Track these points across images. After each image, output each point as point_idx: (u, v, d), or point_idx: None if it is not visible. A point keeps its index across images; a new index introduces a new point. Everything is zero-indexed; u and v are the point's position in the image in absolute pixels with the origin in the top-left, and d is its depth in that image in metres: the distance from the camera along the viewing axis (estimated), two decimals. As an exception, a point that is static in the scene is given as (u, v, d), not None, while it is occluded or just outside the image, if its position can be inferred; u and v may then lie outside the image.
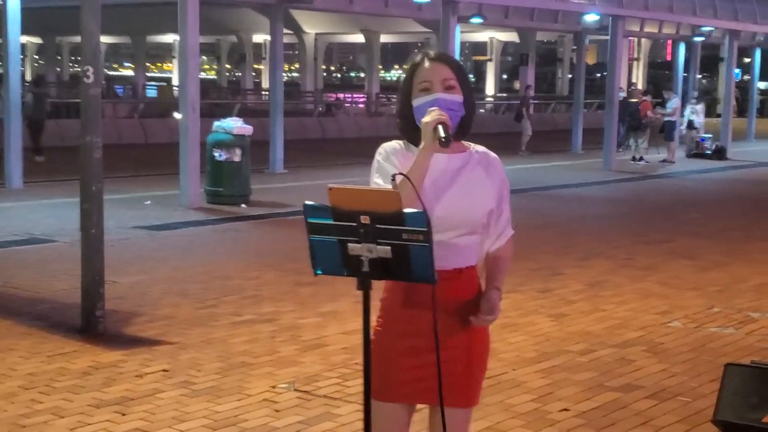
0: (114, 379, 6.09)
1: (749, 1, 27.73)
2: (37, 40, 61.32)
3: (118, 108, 34.33)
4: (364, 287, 2.84)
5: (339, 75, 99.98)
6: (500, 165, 3.23)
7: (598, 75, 60.34)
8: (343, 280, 9.00)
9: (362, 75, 71.86)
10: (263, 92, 52.92)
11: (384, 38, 49.41)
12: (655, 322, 7.72)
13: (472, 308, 3.20)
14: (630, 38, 43.60)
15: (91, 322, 7.22)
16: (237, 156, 14.41)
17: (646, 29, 29.70)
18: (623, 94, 27.28)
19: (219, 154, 14.39)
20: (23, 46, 64.99)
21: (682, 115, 27.07)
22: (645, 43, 52.51)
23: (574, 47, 39.24)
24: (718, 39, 29.96)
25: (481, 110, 44.47)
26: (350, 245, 2.80)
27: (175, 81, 58.67)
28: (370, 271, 2.80)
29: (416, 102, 3.13)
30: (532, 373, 6.32)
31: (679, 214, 14.68)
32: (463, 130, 3.17)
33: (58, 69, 64.92)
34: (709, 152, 25.75)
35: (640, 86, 41.42)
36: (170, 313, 7.78)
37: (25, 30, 57.86)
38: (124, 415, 5.43)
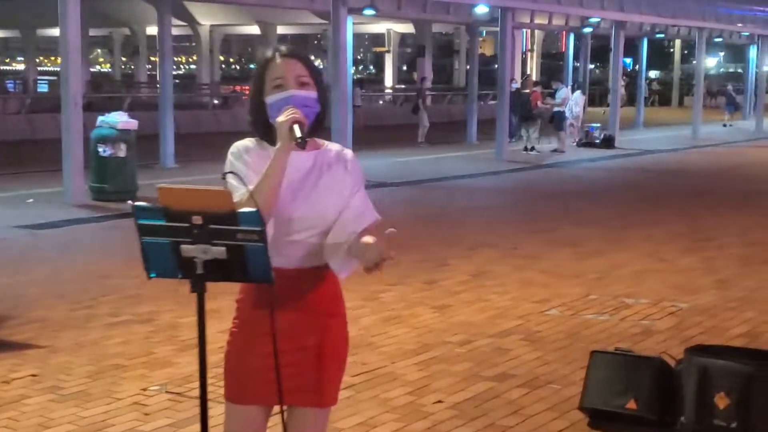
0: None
1: (634, -8, 28.38)
2: None
3: (7, 103, 33.29)
4: (198, 290, 2.75)
5: (238, 67, 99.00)
6: (356, 162, 3.17)
7: (496, 66, 61.12)
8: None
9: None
10: (158, 85, 52.15)
11: (281, 30, 49.06)
12: (534, 310, 7.80)
13: (328, 308, 3.13)
14: (523, 29, 44.22)
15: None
16: (122, 151, 14.09)
17: (537, 21, 30.11)
18: (516, 85, 27.65)
19: (103, 150, 14.04)
20: None
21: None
22: (538, 34, 53.31)
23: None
24: (607, 30, 30.54)
25: (380, 102, 44.63)
26: (183, 247, 2.72)
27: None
28: (204, 273, 2.72)
29: (270, 99, 3.05)
30: (410, 365, 6.31)
31: (565, 203, 14.92)
32: (318, 126, 3.11)
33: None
34: (598, 141, 26.26)
35: (534, 77, 42.11)
36: (44, 315, 7.54)
37: None
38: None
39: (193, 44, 56.58)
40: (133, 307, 7.89)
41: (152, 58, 55.01)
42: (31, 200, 13.89)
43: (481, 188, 17.25)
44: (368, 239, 2.96)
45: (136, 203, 2.73)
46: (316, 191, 3.04)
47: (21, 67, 63.47)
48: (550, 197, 15.80)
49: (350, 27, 23.30)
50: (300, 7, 24.49)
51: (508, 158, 22.16)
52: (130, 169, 14.25)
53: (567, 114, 26.03)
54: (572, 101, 27.07)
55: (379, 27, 52.67)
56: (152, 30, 51.91)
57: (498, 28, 23.84)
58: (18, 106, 32.23)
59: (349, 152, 3.18)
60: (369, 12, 23.60)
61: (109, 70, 67.50)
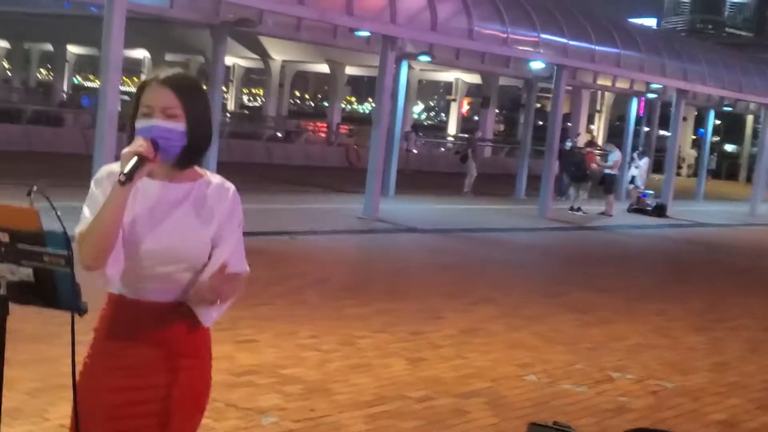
0: None
1: (698, 63, 27.85)
2: (5, 44, 60.84)
3: (80, 118, 33.88)
4: (0, 312, 2.57)
5: (312, 103, 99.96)
6: (233, 198, 2.94)
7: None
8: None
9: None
10: (226, 114, 52.77)
11: (349, 70, 49.37)
12: (512, 374, 7.48)
13: (185, 349, 2.93)
14: (596, 90, 43.85)
15: None
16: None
17: (600, 82, 29.76)
18: (570, 144, 27.32)
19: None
20: (-8, 49, 64.61)
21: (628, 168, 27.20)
22: (608, 96, 52.84)
23: (542, 93, 39.38)
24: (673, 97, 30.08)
25: (441, 149, 44.51)
26: (-9, 265, 2.54)
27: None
28: (7, 294, 2.54)
29: (137, 124, 2.88)
30: (358, 417, 6.05)
31: (590, 267, 14.52)
32: (190, 159, 2.89)
33: (24, 74, 64.35)
34: (649, 209, 25.72)
35: (600, 139, 41.65)
36: (17, 327, 7.43)
37: (-6, 32, 57.06)
38: None
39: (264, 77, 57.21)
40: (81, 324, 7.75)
41: (224, 88, 55.70)
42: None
43: (510, 243, 16.91)
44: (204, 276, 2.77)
45: (-55, 215, 2.55)
46: (171, 224, 2.84)
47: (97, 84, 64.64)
48: (576, 260, 15.41)
49: (404, 71, 23.36)
50: (358, 49, 24.49)
51: (551, 216, 21.75)
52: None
53: (637, 179, 25.58)
54: (635, 166, 26.62)
55: (449, 75, 52.73)
56: (225, 60, 52.80)
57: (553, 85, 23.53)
58: (91, 121, 32.72)
59: (230, 187, 2.97)
60: (424, 59, 23.57)
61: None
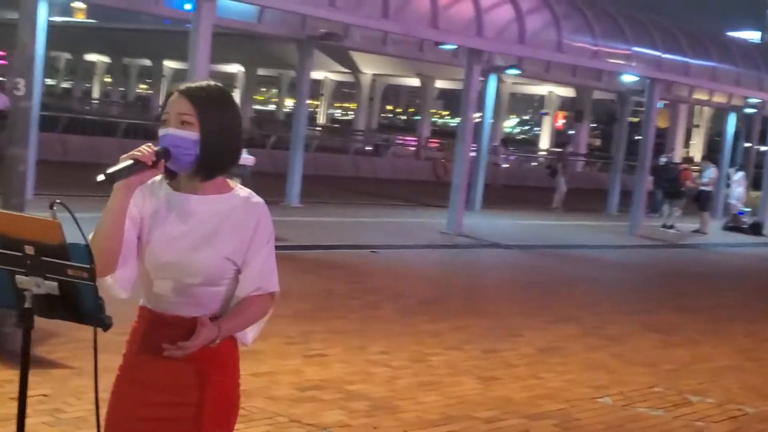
0: (-3, 400, 5.85)
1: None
2: (106, 59, 62.71)
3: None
4: (24, 324, 2.55)
5: (404, 117, 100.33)
6: (260, 213, 2.89)
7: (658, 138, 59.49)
8: (286, 320, 8.65)
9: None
10: (317, 128, 53.27)
11: (439, 83, 49.36)
12: (586, 396, 7.27)
13: (213, 363, 2.88)
14: (693, 105, 42.92)
15: (0, 339, 7.02)
16: (235, 185, 14.28)
17: (696, 96, 29.08)
18: (665, 159, 26.72)
19: (216, 182, 14.26)
20: (93, 65, 66.69)
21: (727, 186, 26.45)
22: (707, 110, 51.69)
23: (637, 107, 38.66)
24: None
25: (532, 163, 44.08)
26: (18, 277, 2.53)
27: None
28: (32, 307, 2.53)
29: (159, 133, 2.87)
30: (422, 436, 5.95)
31: (679, 286, 14.13)
32: (208, 170, 2.84)
33: (122, 89, 66.20)
34: (745, 227, 24.97)
35: (698, 155, 40.65)
36: (88, 336, 7.54)
37: (96, 49, 59.53)
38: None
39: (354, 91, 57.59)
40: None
41: (312, 101, 56.27)
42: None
43: (597, 260, 16.58)
44: (198, 333, 2.76)
45: (-26, 226, 2.55)
46: (189, 237, 2.81)
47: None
48: (665, 279, 15.02)
49: (493, 85, 23.18)
50: (446, 63, 24.44)
51: (642, 233, 21.24)
52: (241, 203, 14.42)
53: (731, 195, 24.89)
54: (734, 182, 25.87)
55: (541, 89, 52.31)
56: (316, 74, 53.26)
57: (647, 99, 23.06)
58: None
59: (257, 202, 2.91)
60: (513, 72, 23.37)
61: (273, 108, 69.61)
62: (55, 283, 2.49)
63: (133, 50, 56.63)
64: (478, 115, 20.93)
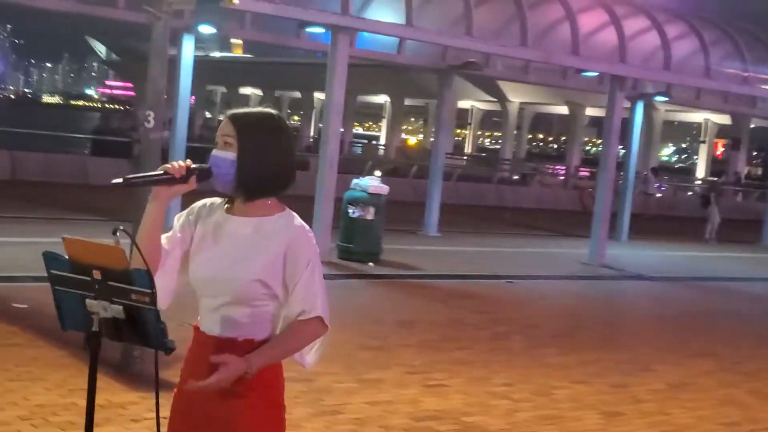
0: (110, 420, 6.07)
1: None
2: (259, 92, 64.52)
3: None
4: (91, 347, 2.64)
5: (555, 146, 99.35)
6: (294, 237, 2.91)
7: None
8: (410, 350, 8.66)
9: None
10: (464, 156, 53.28)
11: (589, 111, 48.58)
12: (715, 433, 6.99)
13: (245, 386, 2.89)
14: None
15: (128, 361, 7.25)
16: (370, 214, 14.43)
17: None
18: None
19: (352, 211, 14.45)
20: (247, 97, 68.78)
21: None
22: None
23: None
24: None
25: (689, 192, 42.78)
26: (88, 301, 2.63)
27: (382, 141, 60.38)
28: (99, 330, 2.62)
29: None
30: (535, 471, 5.82)
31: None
32: (248, 191, 2.91)
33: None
34: None
35: None
36: (214, 362, 7.74)
37: (250, 82, 61.28)
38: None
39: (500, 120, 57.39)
40: (299, 365, 7.91)
41: (459, 131, 56.45)
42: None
43: (746, 293, 15.91)
44: (223, 370, 2.78)
45: (47, 252, 2.66)
46: (224, 256, 2.89)
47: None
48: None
49: (639, 112, 22.67)
50: (591, 90, 24.06)
51: (798, 266, 20.33)
52: (376, 232, 14.55)
53: None
54: None
55: (698, 116, 50.81)
56: (463, 103, 53.36)
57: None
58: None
59: (295, 225, 2.94)
60: (661, 99, 22.82)
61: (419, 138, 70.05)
62: (121, 307, 2.57)
63: (285, 83, 58.18)
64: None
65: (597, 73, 18.96)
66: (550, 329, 10.79)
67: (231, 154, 2.88)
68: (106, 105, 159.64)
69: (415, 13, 15.59)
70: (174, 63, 16.32)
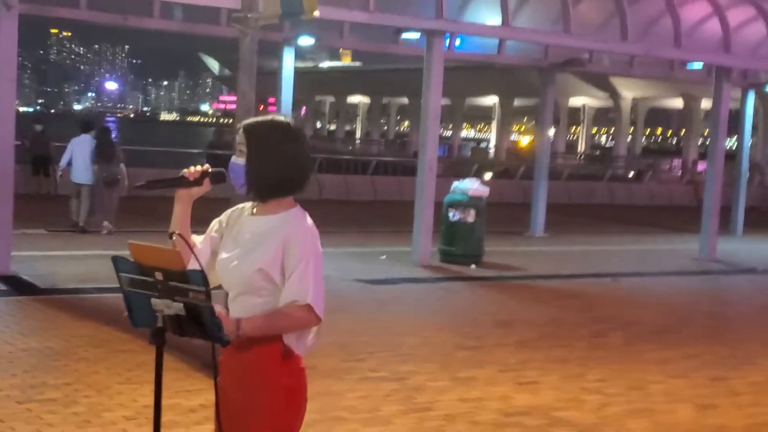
0: (209, 419, 6.42)
1: None
2: (367, 99, 65.30)
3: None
4: (156, 342, 2.94)
5: (675, 140, 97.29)
6: (292, 231, 3.19)
7: None
8: (506, 349, 8.80)
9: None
10: (579, 156, 52.80)
11: (705, 103, 47.58)
12: (813, 425, 6.93)
13: (260, 373, 3.19)
14: None
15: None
16: (471, 216, 14.59)
17: None
18: None
19: (453, 214, 14.65)
20: (355, 106, 69.72)
21: None
22: None
23: None
24: None
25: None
26: (153, 300, 2.93)
27: (492, 142, 60.29)
28: (164, 326, 2.92)
29: None
30: (620, 463, 5.93)
31: None
32: (255, 192, 3.24)
33: (385, 127, 68.48)
34: None
35: None
36: (313, 363, 8.04)
37: (357, 90, 62.16)
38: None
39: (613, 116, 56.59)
40: (396, 365, 8.18)
41: (574, 129, 55.83)
42: (383, 257, 14.80)
43: None
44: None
45: (115, 256, 2.97)
46: (239, 250, 3.22)
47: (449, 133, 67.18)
48: None
49: (751, 102, 22.21)
50: (698, 82, 23.68)
51: None
52: (478, 234, 14.70)
53: None
54: None
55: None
56: (575, 100, 52.94)
57: None
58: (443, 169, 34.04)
59: (297, 220, 3.23)
60: (774, 88, 22.31)
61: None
62: (181, 305, 2.86)
63: (392, 89, 58.81)
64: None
65: (702, 65, 18.66)
66: (652, 325, 10.77)
67: (242, 160, 3.23)
68: (220, 120, 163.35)
69: (513, 12, 15.70)
70: (273, 76, 16.85)
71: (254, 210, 3.29)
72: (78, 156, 15.88)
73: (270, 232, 3.20)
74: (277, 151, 3.21)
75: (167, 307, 2.90)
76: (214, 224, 3.36)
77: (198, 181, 3.26)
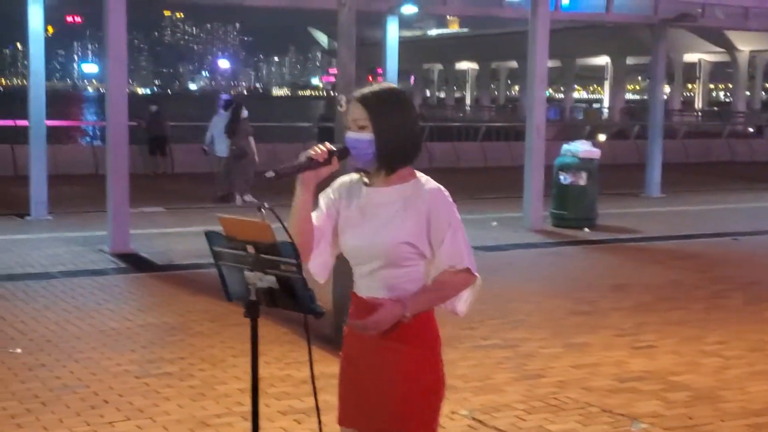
0: (323, 389, 6.44)
1: None
2: (475, 66, 64.73)
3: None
4: (251, 315, 2.93)
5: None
6: (432, 198, 3.12)
7: None
8: (620, 313, 8.63)
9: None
10: (696, 113, 51.33)
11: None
12: None
13: (404, 339, 3.13)
14: None
15: (339, 335, 7.63)
16: (582, 179, 14.31)
17: None
18: None
19: (564, 178, 14.39)
20: (464, 72, 69.22)
21: None
22: None
23: None
24: None
25: None
26: (246, 273, 2.93)
27: (606, 103, 59.06)
28: (257, 299, 2.91)
29: (345, 136, 3.24)
30: (740, 426, 5.73)
31: None
32: (388, 164, 3.14)
33: (496, 93, 67.90)
34: None
35: None
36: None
37: (466, 57, 61.85)
38: (299, 423, 5.79)
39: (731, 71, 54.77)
40: (507, 332, 8.09)
41: (690, 86, 54.30)
42: (494, 223, 14.66)
43: None
44: (380, 311, 3.02)
45: (208, 231, 2.97)
46: (372, 223, 3.12)
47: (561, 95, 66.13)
48: None
49: None
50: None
51: None
52: (590, 197, 14.42)
53: None
54: None
55: None
56: (689, 57, 51.40)
57: None
58: (555, 132, 33.57)
59: (430, 188, 3.15)
60: None
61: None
62: (273, 278, 2.85)
63: (501, 54, 58.15)
64: None
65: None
66: (774, 285, 10.39)
67: (367, 135, 3.11)
68: (330, 92, 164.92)
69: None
70: (381, 46, 16.82)
71: (371, 180, 3.19)
72: (215, 131, 17.51)
73: (407, 201, 3.12)
74: (403, 119, 3.15)
75: (260, 280, 2.89)
76: (325, 199, 3.26)
77: (327, 161, 3.12)
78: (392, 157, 3.12)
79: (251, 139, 17.46)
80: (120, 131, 11.72)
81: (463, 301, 3.24)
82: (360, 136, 3.12)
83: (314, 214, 3.20)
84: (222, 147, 17.41)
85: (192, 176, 21.55)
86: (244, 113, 17.36)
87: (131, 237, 11.98)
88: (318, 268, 3.20)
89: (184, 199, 17.54)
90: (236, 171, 17.14)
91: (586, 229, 14.11)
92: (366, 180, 3.19)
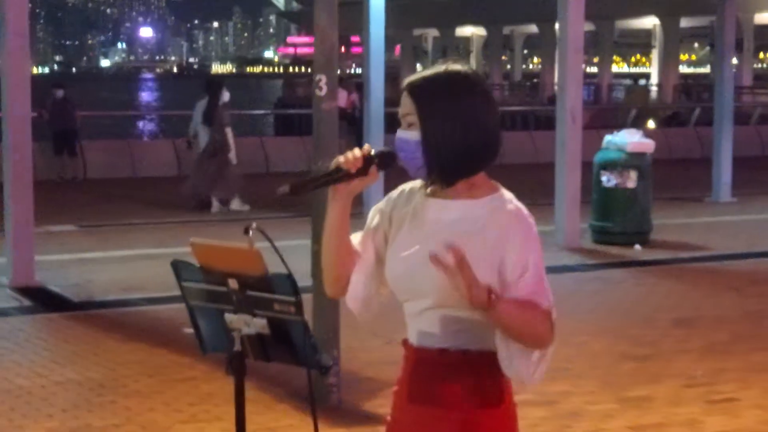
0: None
1: None
2: (482, 31, 64.96)
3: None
4: (235, 371, 2.96)
5: None
6: (509, 223, 3.08)
7: None
8: (689, 356, 8.70)
9: None
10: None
11: None
12: None
13: (474, 402, 3.15)
14: None
15: (321, 392, 7.63)
16: (631, 181, 14.35)
17: None
18: None
19: (607, 179, 14.43)
20: (467, 40, 69.42)
21: None
22: None
23: None
24: None
25: None
26: (227, 316, 2.95)
27: (654, 79, 59.32)
28: (242, 350, 2.94)
29: None
30: None
31: None
32: (437, 174, 3.11)
33: (509, 66, 68.03)
34: None
35: None
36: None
37: (469, 19, 62.17)
38: None
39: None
40: (544, 384, 7.97)
41: (763, 55, 54.58)
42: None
43: None
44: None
45: (176, 260, 3.00)
46: (425, 246, 3.03)
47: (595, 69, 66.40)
48: None
49: None
50: None
51: None
52: (642, 203, 14.43)
53: None
54: None
55: None
56: (761, 18, 51.71)
57: None
58: (588, 119, 33.62)
59: (510, 210, 3.11)
60: None
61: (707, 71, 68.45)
62: (264, 320, 2.88)
63: (515, 15, 58.30)
64: None
65: None
66: None
67: (414, 134, 3.09)
68: (290, 68, 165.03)
69: None
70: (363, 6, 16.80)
71: (435, 191, 3.14)
72: (198, 120, 17.91)
73: (477, 223, 3.08)
74: (462, 114, 3.09)
75: (246, 324, 2.92)
76: (375, 216, 3.21)
77: (362, 171, 3.05)
78: (445, 165, 3.08)
79: (229, 131, 17.50)
80: (22, 127, 11.70)
81: (533, 363, 3.11)
82: (406, 135, 3.10)
83: (357, 236, 3.17)
84: (205, 139, 17.71)
85: (110, 182, 21.52)
86: (225, 96, 17.51)
87: (37, 266, 11.96)
88: (356, 304, 3.13)
89: (103, 213, 17.49)
90: (211, 169, 17.27)
91: (638, 246, 14.17)
92: (428, 189, 3.16)
